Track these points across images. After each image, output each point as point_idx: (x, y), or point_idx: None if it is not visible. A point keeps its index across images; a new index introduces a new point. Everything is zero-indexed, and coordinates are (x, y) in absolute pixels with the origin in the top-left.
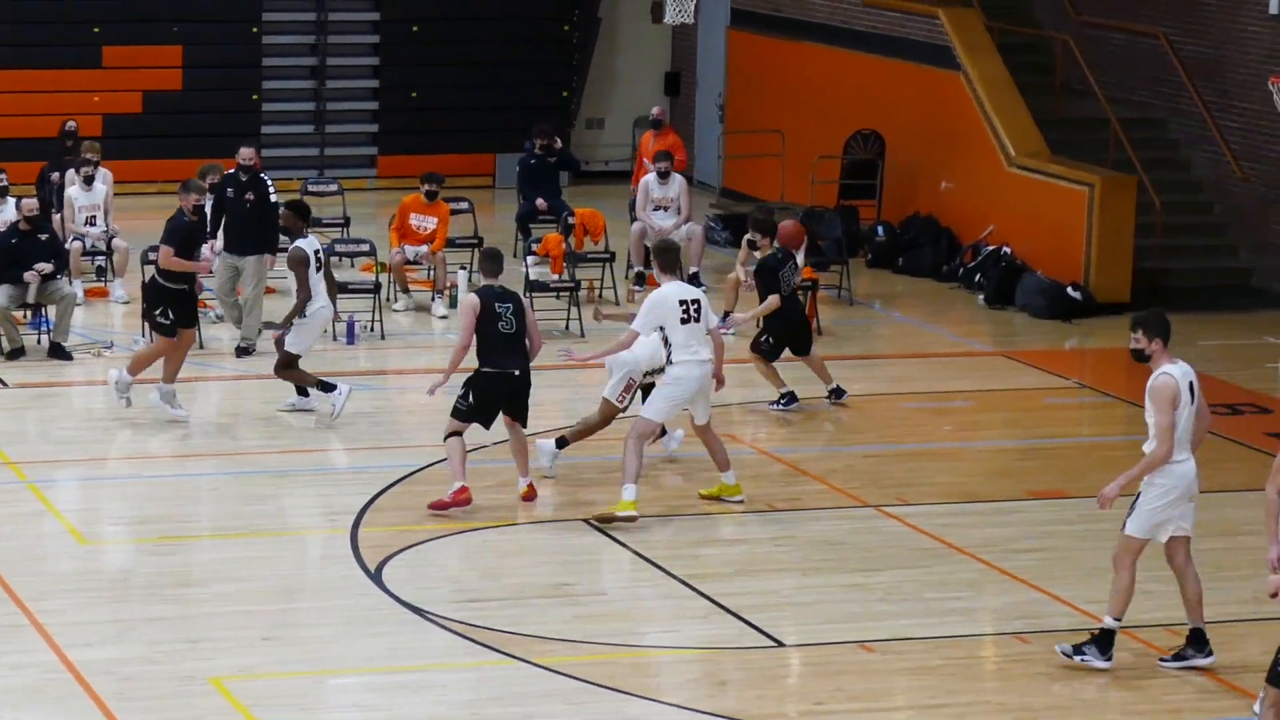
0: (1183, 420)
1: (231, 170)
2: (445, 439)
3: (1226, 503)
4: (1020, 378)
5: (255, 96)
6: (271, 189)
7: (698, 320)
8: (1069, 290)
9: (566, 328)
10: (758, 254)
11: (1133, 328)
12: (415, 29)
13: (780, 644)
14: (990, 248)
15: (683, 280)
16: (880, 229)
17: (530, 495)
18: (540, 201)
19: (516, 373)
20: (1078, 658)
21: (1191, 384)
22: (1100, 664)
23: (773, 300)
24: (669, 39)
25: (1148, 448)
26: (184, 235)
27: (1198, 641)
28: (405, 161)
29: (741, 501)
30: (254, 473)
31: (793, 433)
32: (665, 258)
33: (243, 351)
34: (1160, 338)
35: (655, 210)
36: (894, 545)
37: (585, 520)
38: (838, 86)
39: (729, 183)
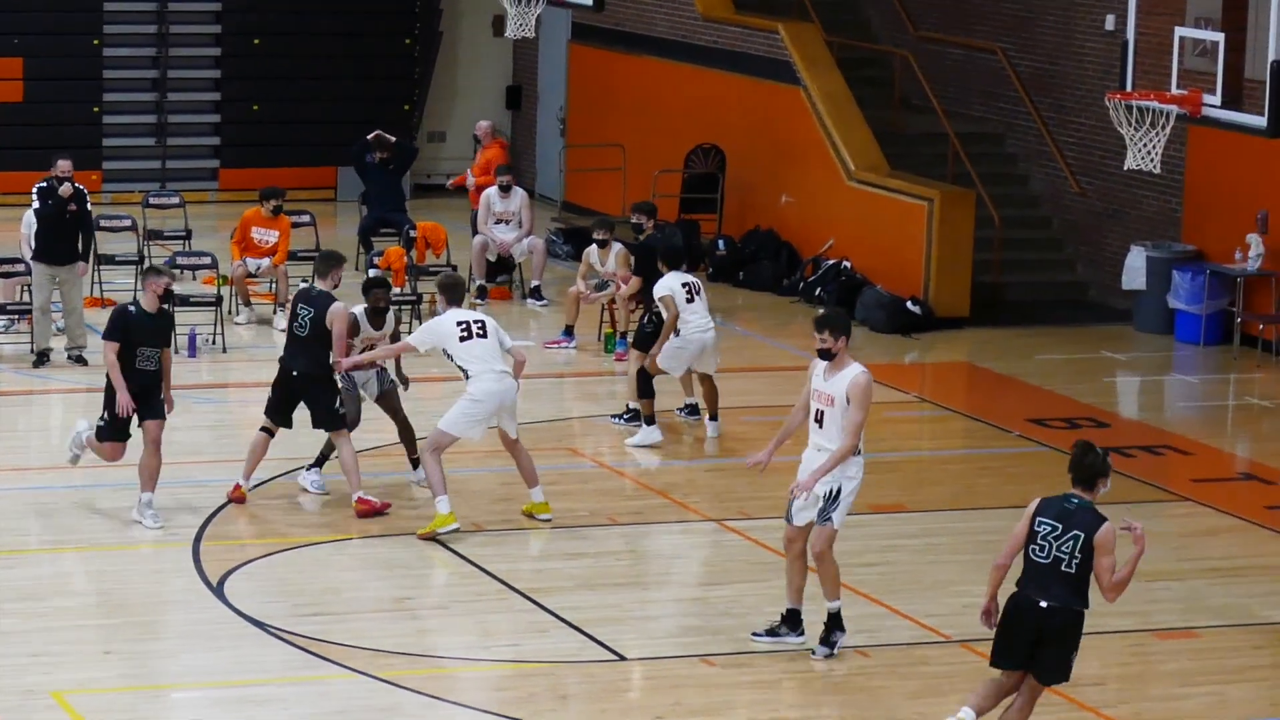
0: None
1: (47, 182)
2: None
3: None
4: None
5: (96, 109)
6: (88, 200)
7: (483, 336)
8: (908, 304)
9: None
10: (640, 237)
11: (818, 328)
12: (257, 42)
13: (622, 658)
14: (830, 262)
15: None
16: (721, 243)
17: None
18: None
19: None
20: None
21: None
22: (795, 639)
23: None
24: (510, 53)
25: (825, 442)
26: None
27: (792, 621)
28: (247, 175)
29: (550, 520)
30: (94, 486)
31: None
32: (450, 293)
33: (77, 360)
34: (846, 336)
35: (497, 224)
36: (736, 559)
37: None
38: (679, 101)
39: (571, 196)
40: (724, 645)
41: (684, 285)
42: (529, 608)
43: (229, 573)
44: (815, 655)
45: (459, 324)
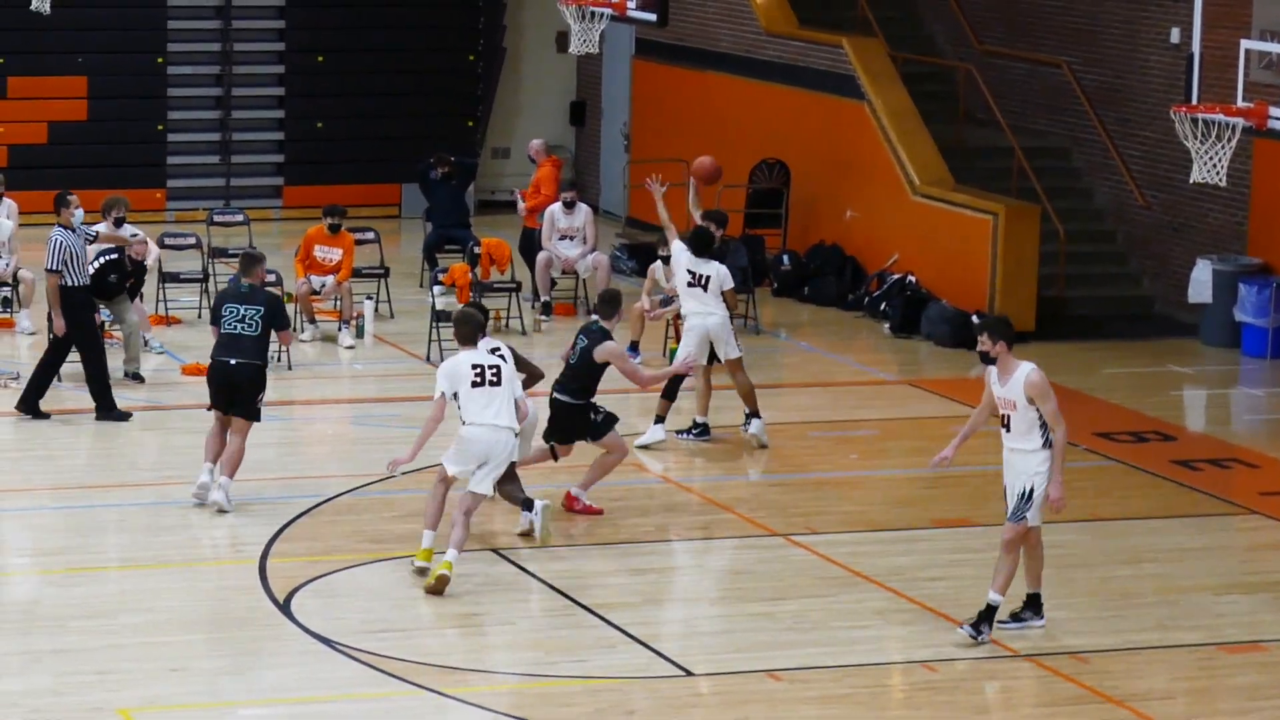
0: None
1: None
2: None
3: (1132, 531)
4: (925, 406)
5: (160, 127)
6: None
7: (496, 384)
8: (974, 318)
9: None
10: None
11: (978, 331)
12: (320, 59)
13: (688, 673)
14: (895, 276)
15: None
16: (785, 258)
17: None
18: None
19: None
20: (979, 637)
21: None
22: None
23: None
24: (574, 69)
25: (1026, 444)
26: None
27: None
28: (311, 192)
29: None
30: (161, 504)
31: (700, 462)
32: (463, 329)
33: (134, 377)
34: (1005, 341)
35: (561, 239)
36: (801, 574)
37: (493, 550)
38: (742, 116)
39: (634, 212)
40: (791, 660)
41: (688, 271)
42: (596, 623)
43: (296, 589)
44: (960, 631)
45: (474, 368)
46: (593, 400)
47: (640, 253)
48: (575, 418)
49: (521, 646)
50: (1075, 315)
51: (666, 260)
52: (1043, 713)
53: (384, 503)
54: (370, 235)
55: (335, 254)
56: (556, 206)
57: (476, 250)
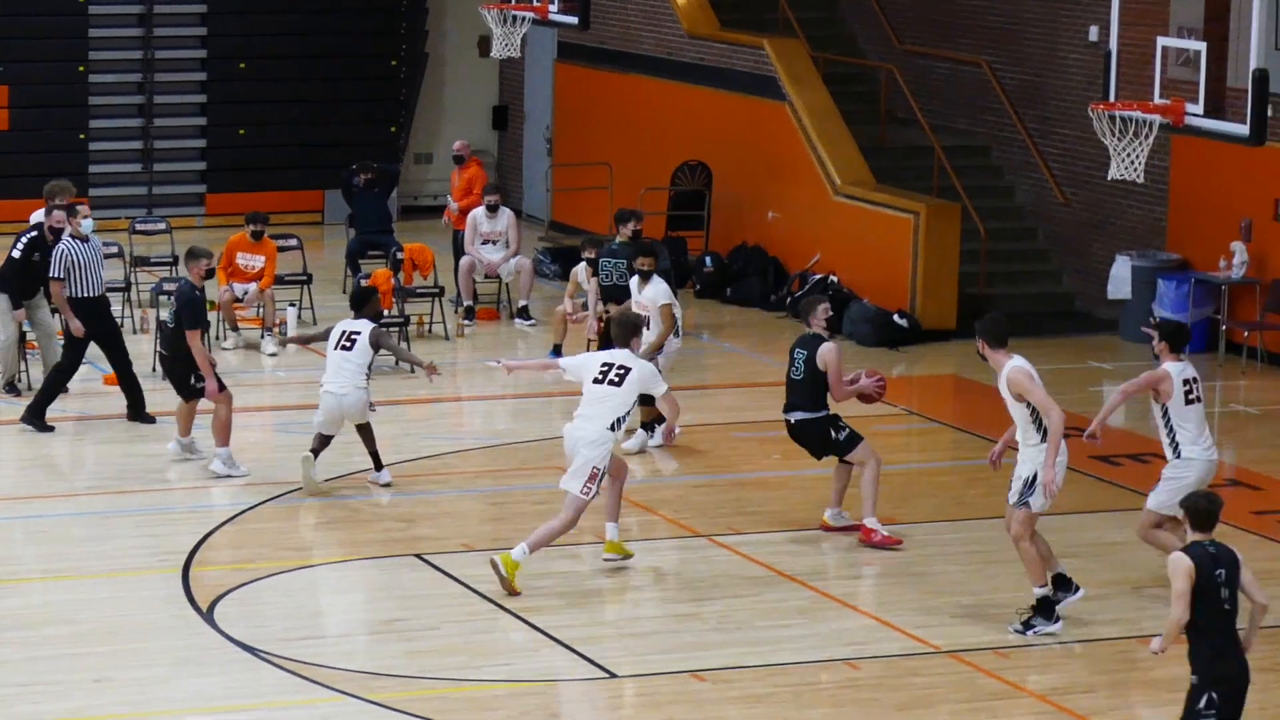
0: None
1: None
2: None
3: (1053, 526)
4: (848, 405)
5: (82, 135)
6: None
7: (348, 348)
8: (895, 318)
9: (396, 363)
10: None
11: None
12: (242, 66)
13: (613, 675)
14: (817, 276)
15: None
16: (708, 259)
17: None
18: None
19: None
20: (1030, 633)
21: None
22: (1052, 628)
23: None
24: (496, 73)
25: (1027, 438)
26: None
27: (1063, 583)
28: (234, 199)
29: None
30: (83, 514)
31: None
32: (618, 330)
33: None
34: (985, 340)
35: (484, 244)
36: (725, 574)
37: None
38: (664, 118)
39: (558, 215)
40: (715, 660)
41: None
42: (520, 626)
43: (219, 598)
44: (1009, 629)
45: (603, 365)
46: (832, 413)
47: (563, 256)
48: (818, 431)
49: (445, 651)
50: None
51: (591, 263)
52: (964, 708)
53: (305, 510)
54: (293, 242)
55: (258, 261)
56: (479, 211)
57: (399, 256)
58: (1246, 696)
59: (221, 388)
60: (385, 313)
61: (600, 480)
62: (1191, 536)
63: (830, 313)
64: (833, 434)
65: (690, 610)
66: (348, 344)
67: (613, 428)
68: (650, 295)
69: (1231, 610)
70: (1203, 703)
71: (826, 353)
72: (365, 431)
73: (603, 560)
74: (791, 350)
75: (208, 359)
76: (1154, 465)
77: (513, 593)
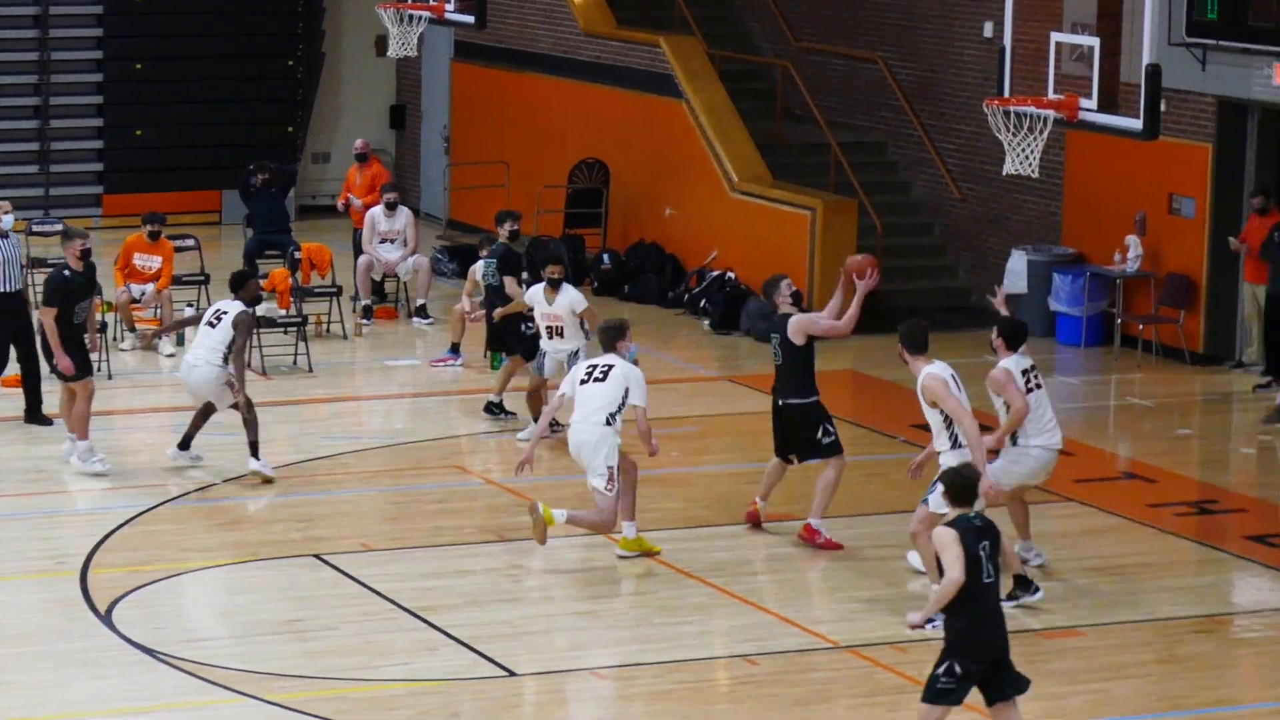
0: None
1: None
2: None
3: None
4: (746, 402)
5: None
6: None
7: (602, 380)
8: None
9: (294, 363)
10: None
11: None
12: (139, 67)
13: (512, 673)
14: (715, 273)
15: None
16: (606, 257)
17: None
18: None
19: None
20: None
21: (954, 376)
22: (1034, 598)
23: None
24: (393, 72)
25: (938, 444)
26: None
27: (1023, 584)
28: (131, 200)
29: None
30: None
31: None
32: (605, 336)
33: None
34: (903, 346)
35: (382, 243)
36: (625, 572)
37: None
38: (562, 116)
39: (455, 214)
40: (614, 658)
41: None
42: (419, 626)
43: (117, 600)
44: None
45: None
46: (824, 408)
47: (461, 254)
48: (809, 419)
49: (344, 651)
50: (893, 308)
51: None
52: (863, 703)
53: (204, 511)
54: (190, 242)
55: (155, 262)
56: (378, 209)
57: (297, 255)
58: (1009, 669)
59: (83, 373)
60: (283, 312)
61: (617, 476)
62: (954, 511)
63: (794, 288)
64: (821, 433)
65: (589, 608)
66: (214, 320)
67: (607, 423)
68: (565, 304)
69: (993, 583)
70: (943, 669)
71: (794, 325)
72: (245, 421)
73: (617, 556)
74: (769, 334)
75: (58, 338)
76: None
77: (543, 540)
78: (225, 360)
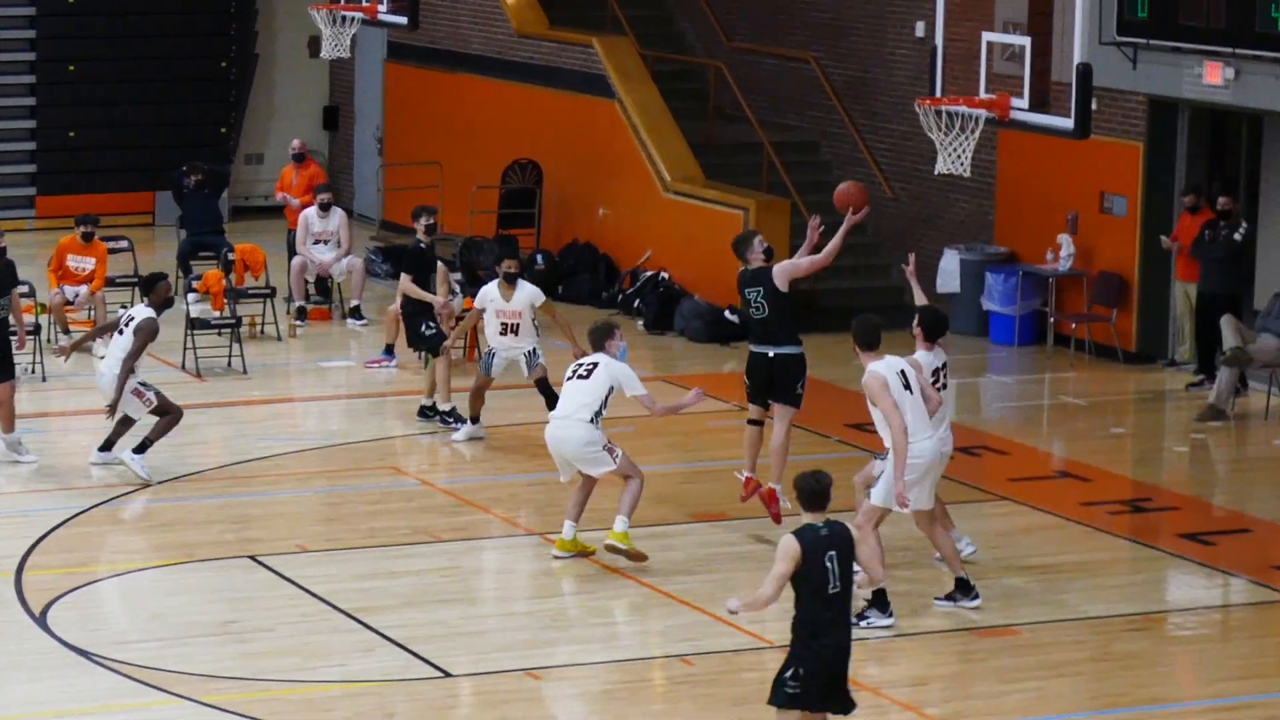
0: (905, 405)
1: None
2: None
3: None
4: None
5: None
6: None
7: (585, 378)
8: (726, 314)
9: (229, 364)
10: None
11: None
12: (71, 69)
13: (447, 674)
14: (648, 273)
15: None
16: (539, 257)
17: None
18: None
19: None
20: (863, 624)
21: (903, 372)
22: (884, 621)
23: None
24: (326, 73)
25: (882, 431)
26: None
27: (963, 587)
28: (65, 201)
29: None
30: None
31: (456, 463)
32: (594, 336)
33: None
34: (855, 343)
35: (315, 244)
36: (561, 571)
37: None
38: (495, 117)
39: (389, 215)
40: (550, 658)
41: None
42: (354, 627)
43: (52, 602)
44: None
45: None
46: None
47: (394, 256)
48: (797, 370)
49: (280, 653)
50: (827, 307)
51: None
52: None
53: (140, 513)
54: (124, 244)
55: (88, 263)
56: (311, 211)
57: (230, 257)
58: (847, 677)
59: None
60: (216, 314)
61: (615, 449)
62: (804, 518)
63: (765, 244)
64: (800, 385)
65: (524, 608)
66: (124, 327)
67: (591, 420)
68: (524, 299)
69: (840, 592)
70: (789, 672)
71: (779, 271)
72: (124, 423)
73: (553, 558)
74: (742, 292)
75: None
76: (984, 457)
77: (642, 558)
78: (132, 371)
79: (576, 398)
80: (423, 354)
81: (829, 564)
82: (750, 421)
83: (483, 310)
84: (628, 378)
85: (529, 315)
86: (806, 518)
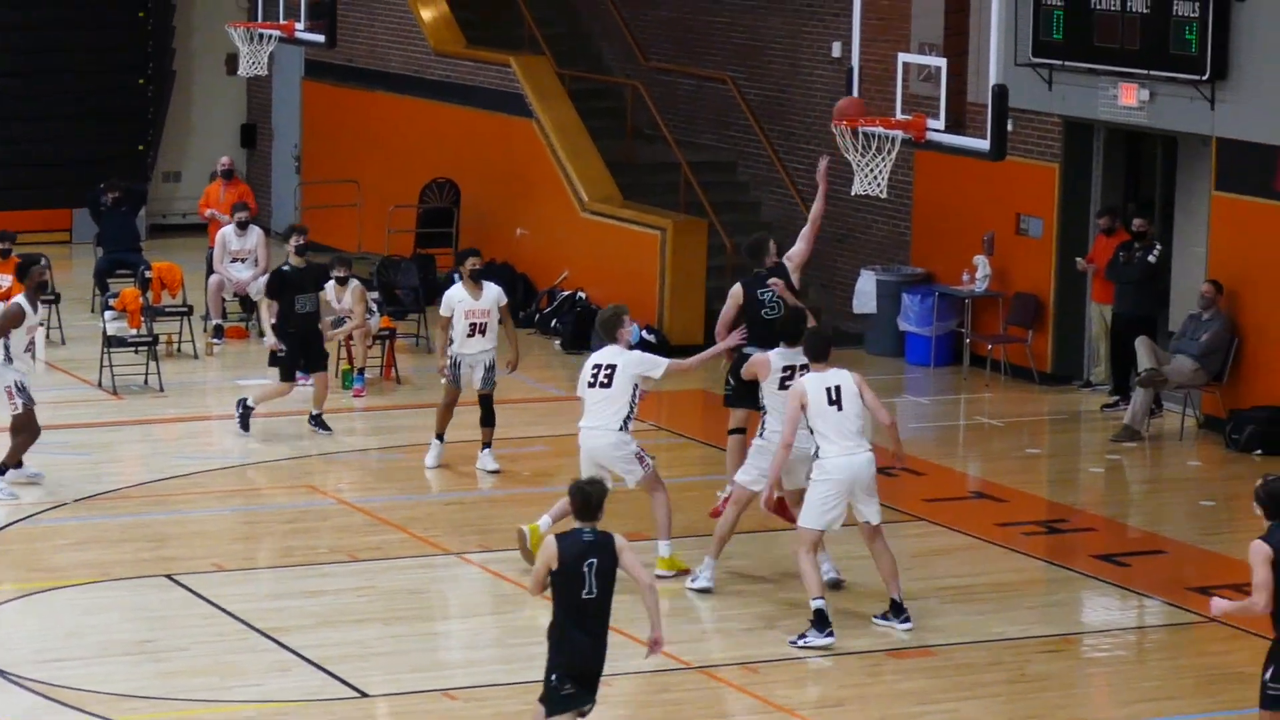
0: (821, 420)
1: None
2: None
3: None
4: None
5: None
6: None
7: (608, 385)
8: (643, 333)
9: (145, 382)
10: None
11: None
12: None
13: (364, 694)
14: (565, 293)
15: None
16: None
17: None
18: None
19: None
20: (801, 642)
21: (832, 387)
22: (822, 640)
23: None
24: (244, 91)
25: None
26: None
27: (896, 610)
28: None
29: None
30: None
31: (372, 481)
32: (603, 327)
33: None
34: (806, 355)
35: (233, 262)
36: (476, 591)
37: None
38: (413, 135)
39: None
40: (466, 678)
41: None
42: (270, 647)
43: None
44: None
45: (594, 366)
46: None
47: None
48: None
49: (196, 672)
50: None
51: (341, 281)
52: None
53: (55, 531)
54: (41, 261)
55: (4, 280)
56: (229, 229)
57: (148, 275)
58: (598, 685)
59: None
60: (134, 331)
61: (646, 458)
62: (575, 523)
63: (776, 245)
64: None
65: (441, 629)
66: None
67: (623, 428)
68: (493, 298)
69: (595, 598)
70: (555, 678)
71: (792, 264)
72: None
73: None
74: (754, 293)
75: None
76: (900, 478)
77: (684, 570)
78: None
79: (605, 408)
80: (340, 372)
81: (586, 570)
82: (733, 431)
83: (449, 317)
84: (648, 365)
85: (495, 314)
86: (576, 523)
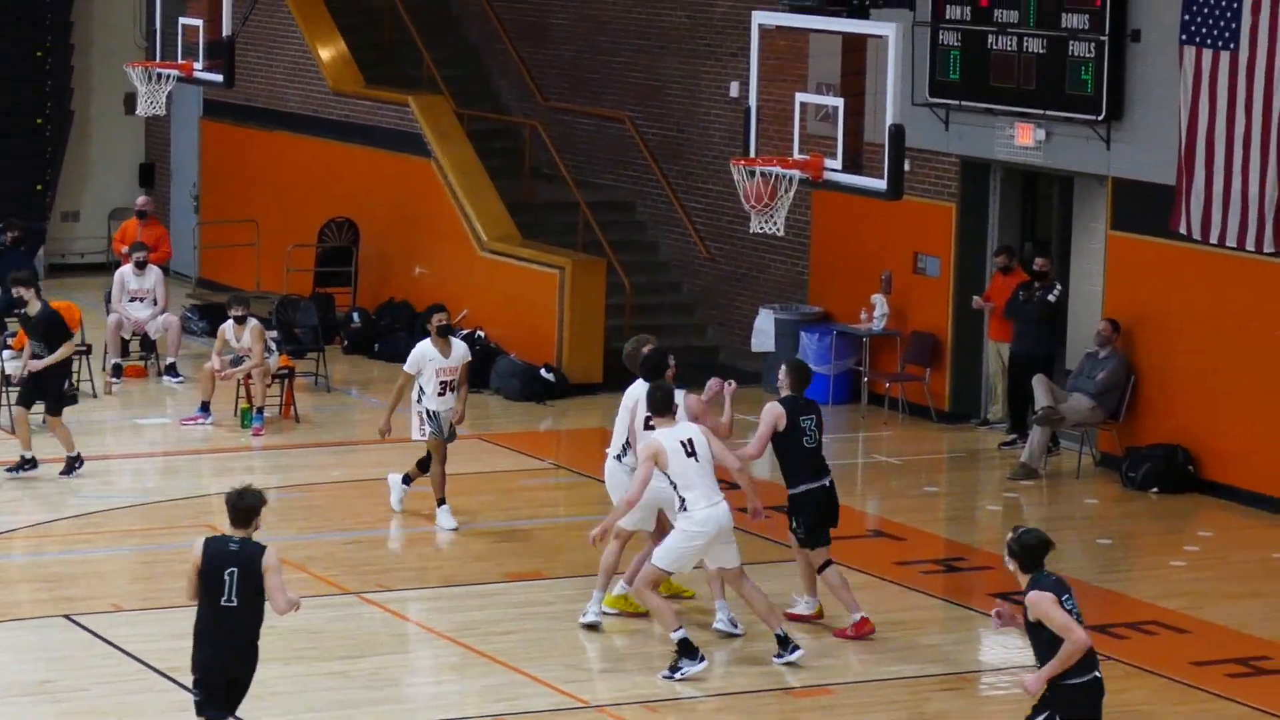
0: (683, 473)
1: None
2: (820, 573)
3: (698, 579)
4: (497, 460)
5: None
6: None
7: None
8: (542, 372)
9: (44, 421)
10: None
11: None
12: None
13: None
14: (465, 331)
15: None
16: (356, 315)
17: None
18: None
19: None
20: (677, 675)
21: (685, 440)
22: (697, 667)
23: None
24: (142, 131)
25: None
26: None
27: (782, 642)
28: None
29: None
30: None
31: (271, 520)
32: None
33: None
34: (649, 410)
35: (132, 301)
36: (376, 631)
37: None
38: (311, 175)
39: (206, 273)
40: (366, 718)
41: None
42: (169, 687)
43: None
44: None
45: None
46: None
47: (211, 313)
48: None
49: (95, 713)
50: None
51: (239, 320)
52: None
53: None
54: None
55: None
56: (127, 269)
57: None
58: (238, 700)
59: None
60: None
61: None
62: (227, 529)
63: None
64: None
65: (340, 668)
66: None
67: (618, 459)
68: (461, 353)
69: (236, 608)
70: (192, 681)
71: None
72: None
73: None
74: (796, 420)
75: None
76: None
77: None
78: None
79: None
80: (239, 412)
81: (228, 578)
82: (826, 564)
83: (414, 375)
84: (705, 433)
85: (459, 371)
86: (228, 530)
